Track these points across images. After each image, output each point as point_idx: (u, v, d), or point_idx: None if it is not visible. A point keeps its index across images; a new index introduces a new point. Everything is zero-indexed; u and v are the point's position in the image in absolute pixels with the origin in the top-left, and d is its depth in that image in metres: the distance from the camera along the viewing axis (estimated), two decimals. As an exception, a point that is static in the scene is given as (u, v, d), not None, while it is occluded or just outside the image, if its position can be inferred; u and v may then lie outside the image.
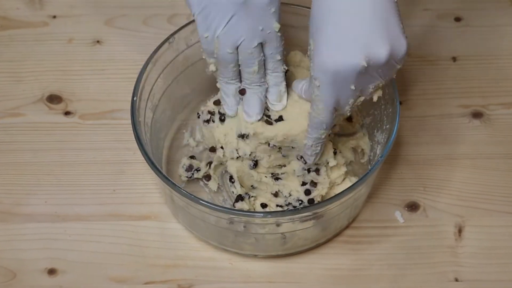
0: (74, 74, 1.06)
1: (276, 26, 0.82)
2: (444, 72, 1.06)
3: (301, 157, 0.88)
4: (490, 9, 1.12)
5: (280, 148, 0.88)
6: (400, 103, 1.01)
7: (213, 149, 0.92)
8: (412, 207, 0.95)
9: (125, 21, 1.11)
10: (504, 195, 0.96)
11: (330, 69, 0.77)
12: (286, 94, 0.87)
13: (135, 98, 0.88)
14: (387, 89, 0.90)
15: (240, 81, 0.87)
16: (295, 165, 0.89)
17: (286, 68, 0.86)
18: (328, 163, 0.89)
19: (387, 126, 0.90)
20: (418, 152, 0.99)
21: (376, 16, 0.76)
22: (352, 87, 0.78)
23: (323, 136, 0.84)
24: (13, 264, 0.91)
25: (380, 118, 0.93)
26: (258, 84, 0.86)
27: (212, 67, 0.86)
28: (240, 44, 0.83)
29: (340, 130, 0.95)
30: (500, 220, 0.94)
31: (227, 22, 0.81)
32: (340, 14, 0.77)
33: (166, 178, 0.84)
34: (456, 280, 0.90)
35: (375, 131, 0.94)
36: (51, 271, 0.91)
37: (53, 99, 1.04)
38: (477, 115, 1.02)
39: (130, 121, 0.88)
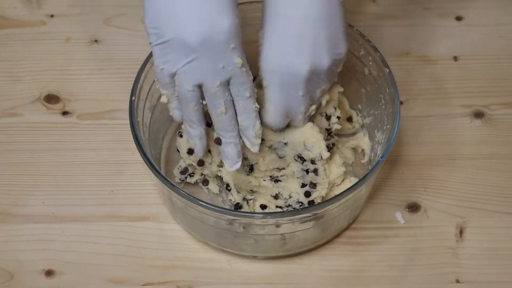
0: (72, 74, 1.06)
1: (238, 61, 0.79)
2: (445, 71, 1.06)
3: (299, 156, 0.88)
4: (491, 8, 1.12)
5: (271, 146, 0.88)
6: (401, 103, 1.02)
7: (201, 163, 0.91)
8: (413, 207, 0.95)
9: (123, 20, 1.11)
10: (505, 196, 0.96)
11: (276, 73, 0.80)
12: (261, 133, 0.85)
13: (133, 98, 0.88)
14: (387, 89, 0.90)
15: (204, 125, 0.85)
16: (294, 167, 0.89)
17: (258, 106, 0.83)
18: (322, 157, 0.88)
19: (388, 126, 0.90)
20: (419, 152, 0.99)
21: (321, 22, 0.79)
22: (301, 93, 0.82)
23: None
24: (11, 265, 0.91)
25: (381, 118, 0.93)
26: (230, 131, 0.83)
27: (163, 99, 0.85)
28: (202, 84, 0.80)
29: (340, 130, 0.95)
30: (501, 221, 0.94)
31: (186, 62, 0.79)
32: (287, 20, 0.79)
33: (165, 179, 0.84)
34: (457, 281, 0.90)
35: (376, 131, 0.94)
36: (49, 272, 0.91)
37: (51, 99, 1.04)
38: (478, 115, 1.02)
39: (128, 121, 0.88)
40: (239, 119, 0.83)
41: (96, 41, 1.09)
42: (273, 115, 0.84)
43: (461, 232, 0.93)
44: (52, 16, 1.11)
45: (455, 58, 1.07)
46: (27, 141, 1.00)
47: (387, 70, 0.90)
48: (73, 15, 1.11)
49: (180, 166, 0.94)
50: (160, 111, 0.95)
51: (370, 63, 0.92)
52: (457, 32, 1.10)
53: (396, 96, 0.88)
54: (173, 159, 0.97)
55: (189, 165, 0.93)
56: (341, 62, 0.83)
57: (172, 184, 0.83)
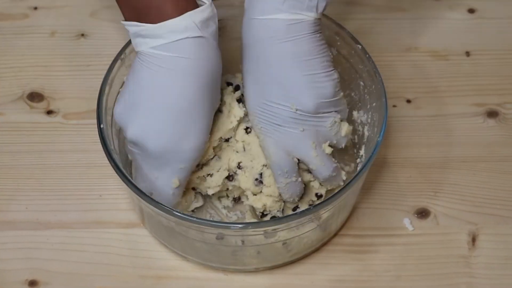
0: (57, 70, 1.06)
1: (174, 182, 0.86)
2: (457, 68, 1.07)
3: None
4: (505, 0, 1.12)
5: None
6: (409, 101, 1.02)
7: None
8: (422, 213, 0.95)
9: (111, 12, 1.11)
10: (521, 201, 0.97)
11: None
12: None
13: (102, 125, 0.87)
14: (373, 86, 0.89)
15: None
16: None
17: None
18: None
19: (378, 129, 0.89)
20: (428, 154, 0.99)
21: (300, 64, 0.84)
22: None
23: None
24: (-8, 275, 0.92)
25: (371, 117, 0.92)
26: None
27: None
28: None
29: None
30: (517, 228, 0.95)
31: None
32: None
33: (159, 205, 0.82)
34: (470, 292, 0.91)
35: (368, 127, 0.93)
36: (32, 283, 0.91)
37: (34, 97, 1.04)
38: (492, 114, 1.03)
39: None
40: None
41: (82, 35, 1.09)
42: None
43: (473, 239, 0.94)
44: (35, 8, 1.12)
45: (467, 54, 1.08)
46: (8, 142, 1.00)
47: (379, 77, 0.89)
48: (58, 7, 1.12)
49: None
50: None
51: (361, 67, 0.91)
52: (470, 25, 1.11)
53: (383, 94, 0.88)
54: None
55: None
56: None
57: (163, 205, 0.82)
